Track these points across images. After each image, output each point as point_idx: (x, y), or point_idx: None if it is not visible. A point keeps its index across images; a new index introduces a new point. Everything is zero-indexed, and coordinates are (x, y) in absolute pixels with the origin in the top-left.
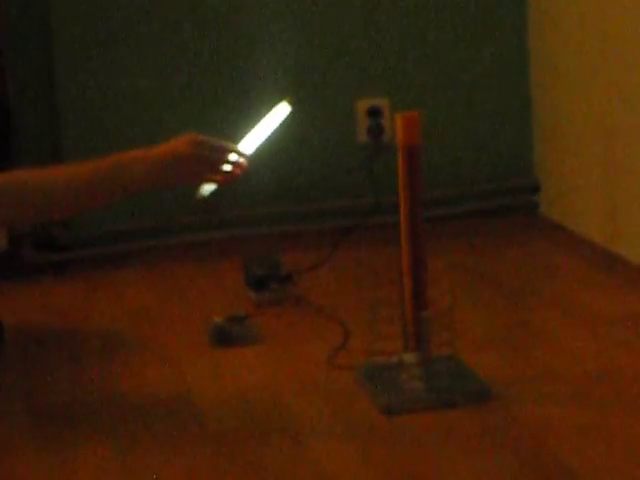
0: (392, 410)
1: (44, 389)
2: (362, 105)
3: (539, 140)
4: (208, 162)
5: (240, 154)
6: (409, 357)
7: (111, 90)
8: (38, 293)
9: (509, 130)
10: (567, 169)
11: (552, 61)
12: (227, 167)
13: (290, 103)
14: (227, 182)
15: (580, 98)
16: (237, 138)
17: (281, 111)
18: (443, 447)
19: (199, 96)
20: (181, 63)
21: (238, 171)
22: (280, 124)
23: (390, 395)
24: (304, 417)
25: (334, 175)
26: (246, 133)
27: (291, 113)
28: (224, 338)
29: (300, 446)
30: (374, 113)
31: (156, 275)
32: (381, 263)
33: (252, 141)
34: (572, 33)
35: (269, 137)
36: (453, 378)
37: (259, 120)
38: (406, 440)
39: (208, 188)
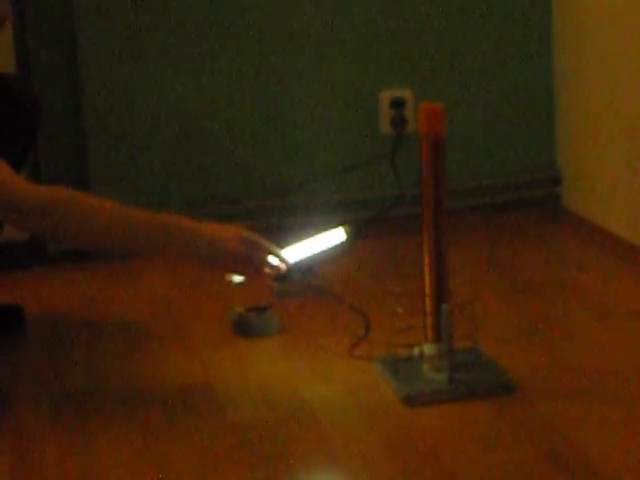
0: (413, 401)
1: (65, 377)
2: (385, 96)
3: (562, 132)
4: (254, 264)
5: (283, 260)
6: (430, 348)
7: (137, 85)
8: (60, 282)
9: (532, 122)
10: (590, 161)
11: (576, 52)
12: (267, 270)
13: (347, 232)
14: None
15: (604, 89)
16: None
17: (336, 236)
18: (464, 439)
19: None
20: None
21: (274, 274)
22: (331, 248)
23: (411, 386)
24: (325, 407)
25: (357, 166)
26: (294, 241)
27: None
28: (245, 328)
29: (321, 437)
30: (397, 104)
31: (178, 264)
32: (403, 254)
33: (297, 252)
34: (597, 23)
35: (316, 256)
36: (474, 370)
37: (312, 235)
38: (427, 431)
39: (239, 278)
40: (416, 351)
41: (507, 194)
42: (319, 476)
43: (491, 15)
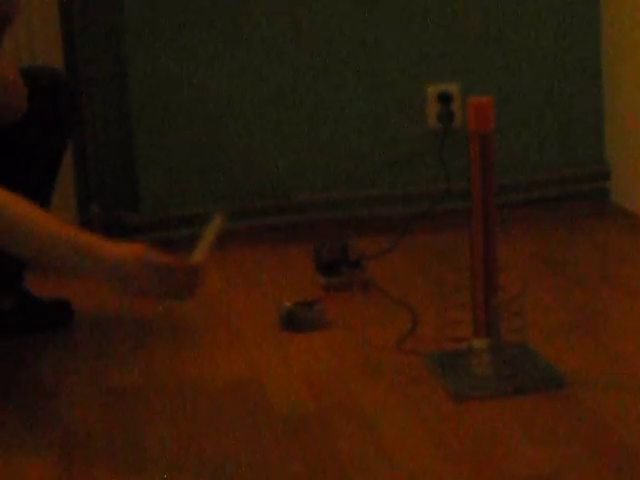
0: (461, 396)
1: (113, 371)
2: (433, 90)
3: (611, 126)
4: (157, 286)
5: (191, 269)
6: (479, 343)
7: (181, 76)
8: None
9: (580, 116)
10: (639, 155)
11: (625, 47)
12: (181, 289)
13: (224, 215)
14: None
15: None
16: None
17: (218, 222)
18: (512, 434)
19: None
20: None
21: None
22: (217, 233)
23: (460, 381)
24: (373, 402)
25: (404, 161)
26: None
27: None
28: (293, 322)
29: (369, 431)
30: (444, 99)
31: (226, 259)
32: (450, 249)
33: (200, 250)
34: None
35: (212, 244)
36: (523, 365)
37: (201, 234)
38: (475, 426)
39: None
40: (465, 346)
41: (555, 188)
42: (367, 470)
43: (540, 11)
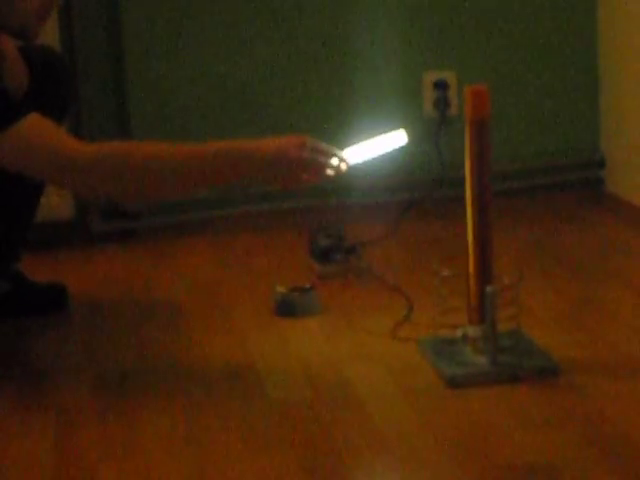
0: (456, 383)
1: (108, 357)
2: (429, 78)
3: (605, 115)
4: (316, 167)
5: (343, 160)
6: (474, 331)
7: (180, 73)
8: (103, 261)
9: (575, 105)
10: (633, 144)
11: (621, 36)
12: (329, 171)
13: (407, 135)
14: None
15: None
16: (337, 141)
17: (397, 139)
18: (506, 421)
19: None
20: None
21: (335, 175)
22: (390, 151)
23: (454, 368)
24: (367, 388)
25: (399, 147)
26: (353, 141)
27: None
28: (288, 309)
29: (363, 417)
30: (441, 86)
31: (221, 245)
32: (445, 236)
33: (358, 153)
34: None
35: (376, 157)
36: (518, 353)
37: (372, 135)
38: (469, 414)
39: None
40: (459, 333)
41: (550, 177)
42: (361, 456)
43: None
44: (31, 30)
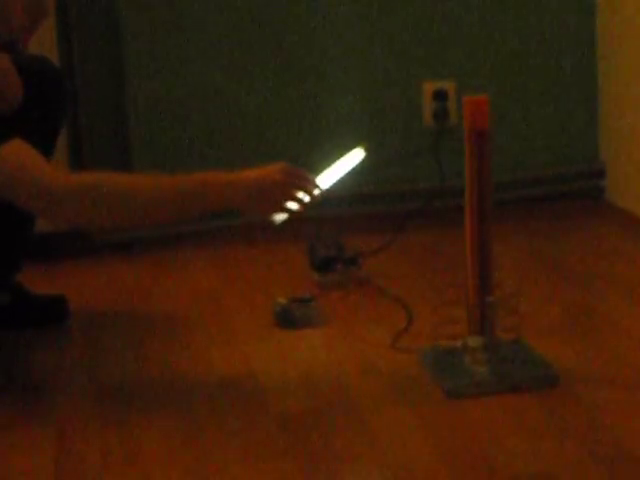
0: (456, 394)
1: (108, 367)
2: (428, 88)
3: (605, 125)
4: (295, 191)
5: (317, 187)
6: (474, 341)
7: (180, 85)
8: (104, 273)
9: (575, 115)
10: (634, 154)
11: (619, 46)
12: (306, 198)
13: (365, 149)
14: (298, 211)
15: None
16: (312, 167)
17: (356, 156)
18: (507, 431)
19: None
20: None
21: (310, 202)
22: (353, 168)
23: (454, 379)
24: (368, 399)
25: (400, 158)
26: (322, 168)
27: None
28: (288, 320)
29: (364, 428)
30: (440, 96)
31: (221, 256)
32: (446, 246)
33: (327, 177)
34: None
35: (341, 178)
36: (518, 363)
37: (334, 160)
38: (470, 424)
39: (280, 217)
40: (459, 343)
41: (550, 186)
42: (362, 467)
43: (535, 9)
44: (20, 41)
